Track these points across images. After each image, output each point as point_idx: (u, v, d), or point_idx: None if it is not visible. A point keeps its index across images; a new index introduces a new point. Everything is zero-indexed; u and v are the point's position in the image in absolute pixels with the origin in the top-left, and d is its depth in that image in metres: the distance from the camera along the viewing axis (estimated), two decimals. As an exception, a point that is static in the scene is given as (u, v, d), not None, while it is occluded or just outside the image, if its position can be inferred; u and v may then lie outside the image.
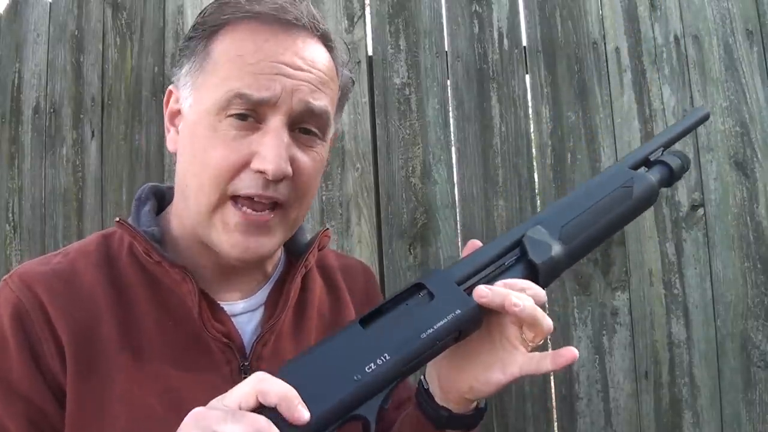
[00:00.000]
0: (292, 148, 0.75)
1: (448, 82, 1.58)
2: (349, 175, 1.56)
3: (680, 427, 1.43)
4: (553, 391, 1.48)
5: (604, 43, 1.55)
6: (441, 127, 1.56)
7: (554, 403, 1.48)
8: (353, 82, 0.90)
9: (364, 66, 1.59)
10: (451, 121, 1.57)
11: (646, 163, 0.82)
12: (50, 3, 1.70)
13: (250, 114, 0.74)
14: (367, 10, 1.63)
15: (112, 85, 1.66)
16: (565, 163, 1.53)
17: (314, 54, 0.78)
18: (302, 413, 0.58)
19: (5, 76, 1.69)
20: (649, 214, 1.48)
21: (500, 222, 1.52)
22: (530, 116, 1.56)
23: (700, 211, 1.47)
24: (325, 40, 0.81)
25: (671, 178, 0.81)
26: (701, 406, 1.42)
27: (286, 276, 0.87)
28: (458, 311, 0.69)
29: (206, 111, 0.75)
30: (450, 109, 1.57)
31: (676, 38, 1.53)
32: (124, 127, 1.64)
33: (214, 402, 0.59)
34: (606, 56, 1.55)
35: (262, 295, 0.86)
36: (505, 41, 1.58)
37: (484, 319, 0.71)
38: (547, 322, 0.69)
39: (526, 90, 1.57)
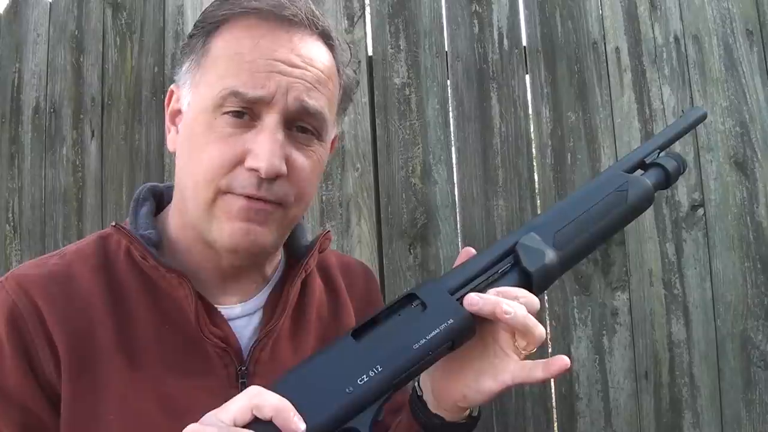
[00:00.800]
0: (288, 147, 0.74)
1: (448, 82, 1.58)
2: (349, 175, 1.56)
3: (680, 427, 1.43)
4: (553, 391, 1.48)
5: (604, 43, 1.55)
6: (441, 127, 1.56)
7: (554, 403, 1.48)
8: (357, 83, 0.89)
9: (364, 66, 1.59)
10: (451, 121, 1.56)
11: (642, 165, 0.81)
12: (50, 3, 1.70)
13: (246, 112, 0.73)
14: (367, 9, 1.63)
15: (112, 85, 1.66)
16: (565, 163, 1.53)
17: (312, 51, 0.76)
18: (298, 425, 0.58)
19: (5, 76, 1.69)
20: (649, 215, 1.48)
21: (500, 222, 1.52)
22: (530, 116, 1.55)
23: (700, 211, 1.47)
24: (325, 38, 0.79)
25: (667, 180, 0.80)
26: (701, 406, 1.42)
27: (285, 279, 0.86)
28: (451, 321, 0.68)
29: (203, 109, 0.74)
30: (450, 109, 1.57)
31: (676, 38, 1.53)
32: (124, 127, 1.64)
33: (208, 417, 0.58)
34: (606, 56, 1.55)
35: (260, 298, 0.84)
36: (505, 41, 1.58)
37: (477, 328, 0.70)
38: (539, 330, 0.68)
39: (526, 90, 1.57)
